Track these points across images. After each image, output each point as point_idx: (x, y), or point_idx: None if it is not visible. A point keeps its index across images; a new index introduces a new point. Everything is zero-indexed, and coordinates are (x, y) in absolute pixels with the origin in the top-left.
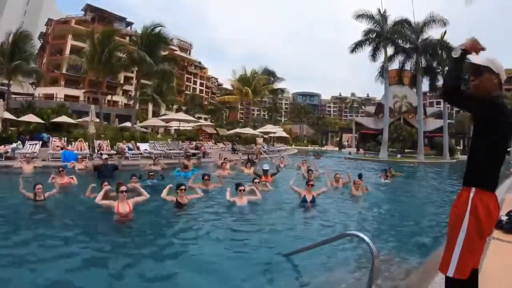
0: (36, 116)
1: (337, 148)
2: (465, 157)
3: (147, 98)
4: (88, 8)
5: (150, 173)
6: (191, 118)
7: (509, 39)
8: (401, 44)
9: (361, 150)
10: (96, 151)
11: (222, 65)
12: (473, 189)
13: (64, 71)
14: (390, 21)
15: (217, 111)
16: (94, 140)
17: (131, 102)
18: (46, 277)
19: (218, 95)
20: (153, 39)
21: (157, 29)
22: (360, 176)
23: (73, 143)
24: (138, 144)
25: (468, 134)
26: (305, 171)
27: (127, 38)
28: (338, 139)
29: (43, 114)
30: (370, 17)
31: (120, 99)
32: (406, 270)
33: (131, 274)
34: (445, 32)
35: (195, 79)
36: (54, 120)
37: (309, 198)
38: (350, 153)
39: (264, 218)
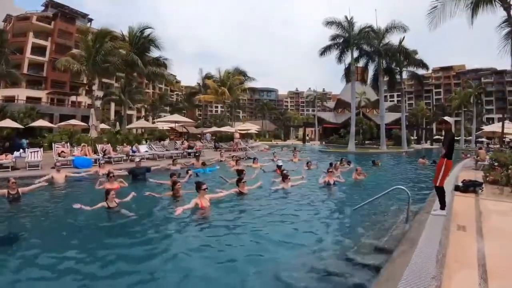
0: (12, 120)
1: (300, 142)
2: (419, 146)
3: (115, 98)
4: (49, 3)
5: (188, 171)
6: (186, 119)
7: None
8: (365, 49)
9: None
10: (101, 155)
11: (172, 59)
12: (445, 159)
13: (25, 71)
14: (356, 27)
15: (181, 109)
16: (96, 144)
17: (96, 103)
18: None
19: (180, 93)
20: (144, 42)
21: (146, 32)
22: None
23: (74, 148)
24: (138, 146)
25: (421, 126)
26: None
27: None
28: (301, 133)
29: (16, 118)
30: (338, 24)
31: (83, 99)
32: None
33: (220, 257)
34: (403, 38)
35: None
36: (32, 124)
37: (331, 181)
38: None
39: (310, 194)
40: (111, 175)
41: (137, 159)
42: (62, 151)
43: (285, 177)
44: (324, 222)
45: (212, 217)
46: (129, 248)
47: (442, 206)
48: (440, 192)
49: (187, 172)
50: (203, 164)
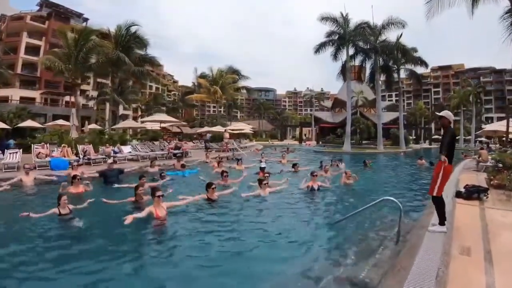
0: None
1: (296, 142)
2: (418, 146)
3: (108, 98)
4: (44, 3)
5: (162, 174)
6: (172, 119)
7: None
8: (362, 46)
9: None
10: (81, 156)
11: (172, 59)
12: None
13: (19, 71)
14: (352, 24)
15: (177, 109)
16: (77, 145)
17: (90, 103)
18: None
19: (178, 93)
20: (129, 39)
21: (132, 29)
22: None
23: (55, 149)
24: (121, 147)
25: (419, 125)
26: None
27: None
28: (298, 133)
29: (5, 119)
30: (334, 20)
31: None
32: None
33: (184, 272)
34: (401, 35)
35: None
36: (20, 125)
37: (315, 186)
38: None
39: (289, 203)
40: (78, 177)
41: (109, 161)
42: (40, 152)
43: (260, 182)
44: (294, 241)
45: (168, 229)
46: (67, 264)
47: (441, 221)
48: (439, 204)
49: (160, 175)
50: (183, 166)
